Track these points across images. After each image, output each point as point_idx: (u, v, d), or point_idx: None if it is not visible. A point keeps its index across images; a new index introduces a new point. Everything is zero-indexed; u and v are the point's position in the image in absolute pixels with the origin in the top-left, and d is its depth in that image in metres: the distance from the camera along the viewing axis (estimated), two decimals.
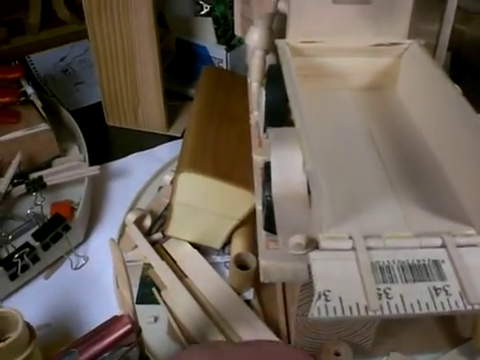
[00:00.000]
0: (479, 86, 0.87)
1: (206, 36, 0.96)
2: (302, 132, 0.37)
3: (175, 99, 0.97)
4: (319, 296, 0.33)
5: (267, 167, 0.41)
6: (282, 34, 0.50)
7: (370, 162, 0.43)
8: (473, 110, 0.39)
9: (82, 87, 1.04)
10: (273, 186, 0.39)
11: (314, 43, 0.49)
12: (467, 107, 0.39)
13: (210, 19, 0.95)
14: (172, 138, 0.92)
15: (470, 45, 0.88)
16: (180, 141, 0.82)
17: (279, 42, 0.49)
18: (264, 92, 0.47)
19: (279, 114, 0.45)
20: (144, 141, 0.91)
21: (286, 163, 0.38)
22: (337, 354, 0.52)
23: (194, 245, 0.68)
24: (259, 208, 0.49)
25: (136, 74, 0.87)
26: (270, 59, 0.54)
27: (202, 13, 1.01)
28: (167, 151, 0.88)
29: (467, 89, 0.85)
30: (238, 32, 0.63)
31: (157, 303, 0.63)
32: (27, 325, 0.52)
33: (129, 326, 0.49)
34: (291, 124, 0.40)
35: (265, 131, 0.46)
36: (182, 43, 0.99)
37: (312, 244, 0.36)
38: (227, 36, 0.96)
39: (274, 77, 0.46)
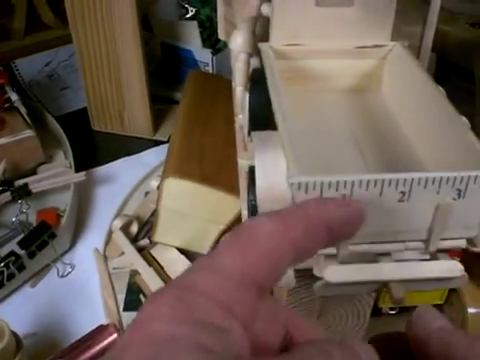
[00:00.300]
0: (465, 85, 0.87)
1: (191, 40, 0.95)
2: (285, 136, 0.36)
3: (161, 103, 0.97)
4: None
5: (251, 171, 0.41)
6: (265, 37, 0.50)
7: (354, 165, 0.42)
8: (457, 112, 0.39)
9: (67, 92, 1.04)
10: (257, 190, 0.39)
11: (298, 46, 0.49)
12: (451, 109, 0.39)
13: (195, 22, 0.95)
14: (158, 142, 0.92)
15: (455, 45, 0.88)
16: (166, 145, 0.82)
17: (262, 45, 0.48)
18: (248, 96, 0.46)
19: (263, 118, 0.44)
20: (130, 146, 0.91)
21: (270, 167, 0.38)
22: None
23: (181, 251, 0.68)
24: (244, 213, 0.48)
25: (121, 78, 0.87)
26: (254, 62, 0.54)
27: (187, 16, 1.01)
28: (153, 156, 0.87)
29: (453, 89, 0.85)
30: (222, 36, 0.62)
31: None
32: (14, 334, 0.52)
33: (115, 335, 0.49)
34: (276, 128, 0.40)
35: (249, 135, 0.46)
36: (167, 47, 0.98)
37: None
38: (213, 39, 0.95)
39: (258, 81, 0.46)
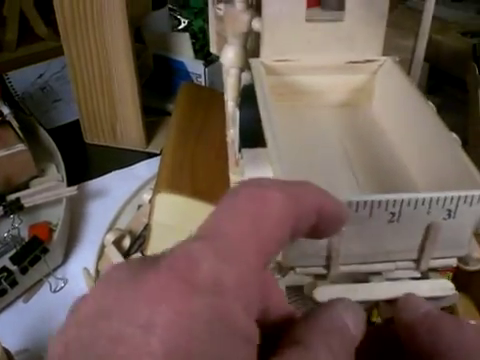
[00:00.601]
0: (458, 94, 0.88)
1: (184, 51, 0.95)
2: (273, 155, 0.36)
3: (153, 115, 0.97)
4: None
5: None
6: (257, 52, 0.50)
7: (345, 182, 0.42)
8: (447, 128, 0.39)
9: (60, 104, 1.03)
10: None
11: (288, 61, 0.49)
12: (441, 126, 0.39)
13: (187, 34, 0.95)
14: (151, 155, 0.91)
15: (447, 55, 0.88)
16: (159, 158, 0.82)
17: (253, 61, 0.48)
18: (238, 112, 0.46)
19: (253, 134, 0.44)
20: (123, 158, 0.90)
21: None
22: None
23: None
24: None
25: (113, 90, 0.86)
26: (246, 77, 0.54)
27: (180, 28, 1.01)
28: (146, 168, 0.87)
29: (446, 98, 0.86)
30: (214, 50, 0.62)
31: None
32: (5, 351, 0.51)
33: None
34: (266, 144, 0.40)
35: (240, 151, 0.46)
36: (160, 58, 0.98)
37: (286, 269, 0.35)
38: (205, 51, 0.95)
39: (248, 97, 0.46)
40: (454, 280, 0.37)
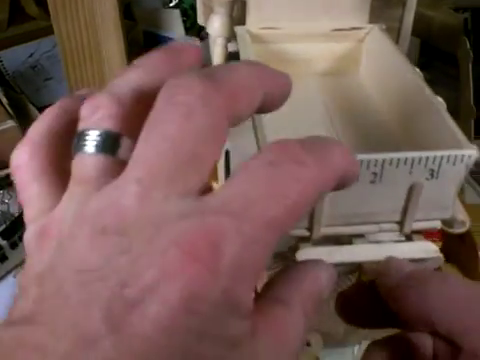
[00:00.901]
0: (449, 70, 0.87)
1: (174, 28, 0.95)
2: (257, 120, 0.36)
3: None
4: None
5: (227, 155, 0.41)
6: (242, 21, 0.50)
7: None
8: (432, 93, 0.39)
9: (51, 83, 1.02)
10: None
11: (274, 29, 0.48)
12: (427, 90, 0.39)
13: (178, 11, 0.94)
14: None
15: (439, 31, 0.87)
16: None
17: (238, 29, 0.48)
18: None
19: None
20: None
21: (244, 152, 0.38)
22: (307, 344, 0.52)
23: None
24: None
25: (103, 68, 0.86)
26: (232, 47, 0.53)
27: (171, 5, 1.00)
28: None
29: (437, 74, 0.85)
30: (201, 21, 0.62)
31: None
32: None
33: None
34: None
35: None
36: (150, 35, 0.97)
37: None
38: (196, 28, 0.95)
39: None
40: (442, 250, 0.37)
